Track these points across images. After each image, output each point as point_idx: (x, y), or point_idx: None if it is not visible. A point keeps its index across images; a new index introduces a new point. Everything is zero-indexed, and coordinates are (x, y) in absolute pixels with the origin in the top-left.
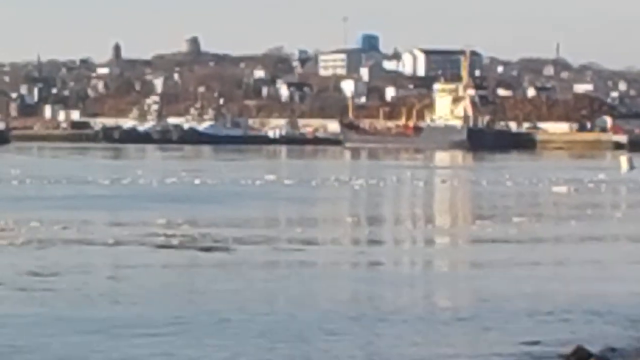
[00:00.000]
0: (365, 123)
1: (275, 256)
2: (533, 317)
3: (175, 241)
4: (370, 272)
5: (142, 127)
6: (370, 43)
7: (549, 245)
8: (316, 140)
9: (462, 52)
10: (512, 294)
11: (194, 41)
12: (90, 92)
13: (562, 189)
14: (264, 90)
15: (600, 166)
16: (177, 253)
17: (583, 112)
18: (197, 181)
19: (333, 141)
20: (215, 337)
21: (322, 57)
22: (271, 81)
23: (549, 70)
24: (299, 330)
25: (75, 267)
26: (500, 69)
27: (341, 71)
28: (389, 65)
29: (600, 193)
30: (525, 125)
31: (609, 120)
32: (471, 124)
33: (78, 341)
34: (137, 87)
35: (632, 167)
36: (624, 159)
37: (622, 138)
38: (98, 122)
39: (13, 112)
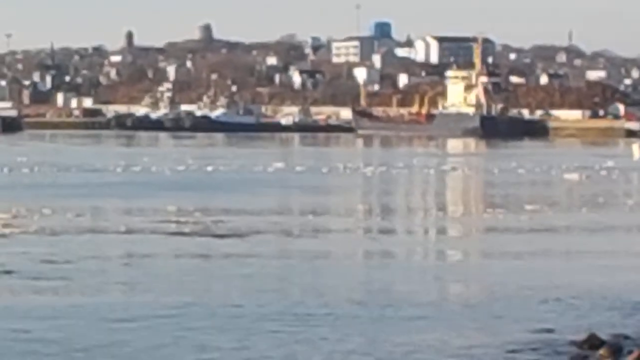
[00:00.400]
0: (377, 110)
1: (286, 243)
2: (545, 305)
3: (187, 229)
4: (381, 260)
5: (154, 115)
6: (383, 30)
7: (561, 233)
8: (329, 128)
9: (474, 39)
10: (524, 281)
11: (207, 28)
12: (102, 79)
13: (574, 176)
14: (277, 78)
15: (613, 153)
16: (190, 241)
17: (596, 99)
18: (209, 169)
19: (345, 128)
20: (226, 323)
21: (334, 45)
22: (284, 68)
23: (562, 58)
24: (309, 316)
25: (87, 255)
26: (512, 56)
27: (354, 58)
28: (401, 52)
29: (612, 180)
30: (538, 112)
31: (621, 108)
32: (484, 111)
33: (91, 328)
34: (150, 74)
35: None
36: (636, 147)
37: (635, 125)
38: (110, 110)
39: (26, 99)
